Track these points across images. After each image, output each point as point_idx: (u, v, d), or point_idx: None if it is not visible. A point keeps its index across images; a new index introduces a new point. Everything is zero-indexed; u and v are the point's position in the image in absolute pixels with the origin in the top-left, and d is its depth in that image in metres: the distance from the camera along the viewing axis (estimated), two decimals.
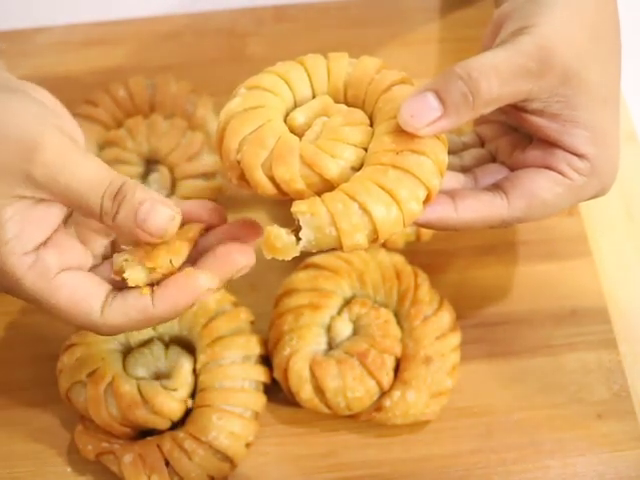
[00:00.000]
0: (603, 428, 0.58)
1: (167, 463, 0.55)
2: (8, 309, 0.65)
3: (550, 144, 0.49)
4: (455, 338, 0.59)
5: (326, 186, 0.45)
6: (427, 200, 0.46)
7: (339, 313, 0.60)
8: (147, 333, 0.59)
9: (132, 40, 0.79)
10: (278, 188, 0.46)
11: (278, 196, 0.47)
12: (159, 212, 0.44)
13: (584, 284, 0.64)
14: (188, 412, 0.57)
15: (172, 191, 0.66)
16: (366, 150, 0.46)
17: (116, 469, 0.56)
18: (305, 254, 0.64)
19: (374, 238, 0.45)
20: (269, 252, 0.45)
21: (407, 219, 0.45)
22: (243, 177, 0.47)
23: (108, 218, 0.44)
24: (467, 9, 0.79)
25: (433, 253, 0.66)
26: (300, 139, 0.47)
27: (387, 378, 0.57)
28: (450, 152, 0.53)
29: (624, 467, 0.57)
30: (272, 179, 0.46)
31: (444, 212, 0.48)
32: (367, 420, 0.58)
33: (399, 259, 0.61)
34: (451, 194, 0.49)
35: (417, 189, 0.45)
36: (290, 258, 0.45)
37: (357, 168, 0.46)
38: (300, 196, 0.46)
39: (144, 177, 0.67)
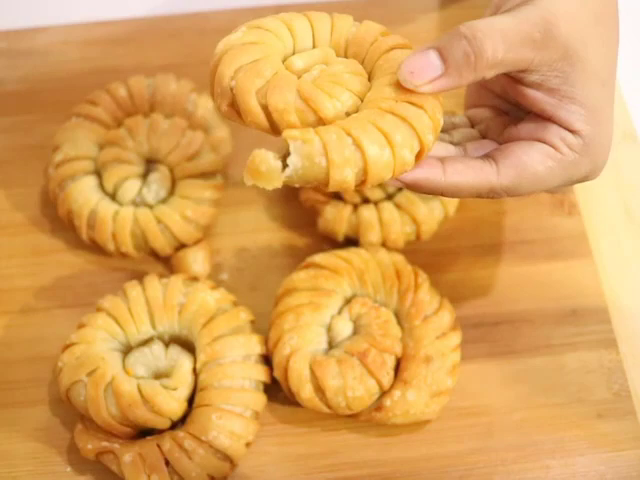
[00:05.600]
0: (603, 428, 0.58)
1: (167, 463, 0.55)
2: (8, 309, 0.65)
3: (544, 119, 0.49)
4: (455, 338, 0.59)
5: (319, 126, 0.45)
6: (419, 156, 0.46)
7: (339, 312, 0.60)
8: (147, 332, 0.59)
9: (132, 40, 0.79)
10: (269, 119, 0.45)
11: (267, 129, 0.45)
12: None
13: (584, 284, 0.64)
14: (188, 411, 0.57)
15: (172, 191, 0.66)
16: (362, 102, 0.46)
17: (116, 469, 0.56)
18: (303, 252, 0.64)
19: (362, 180, 0.44)
20: (251, 177, 0.43)
21: (398, 166, 0.44)
22: (233, 105, 0.46)
23: None
24: (467, 8, 0.79)
25: (433, 253, 0.66)
26: None
27: (387, 378, 0.57)
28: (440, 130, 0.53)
29: (624, 467, 0.57)
30: (265, 109, 0.45)
31: (432, 173, 0.48)
32: (367, 420, 0.58)
33: (399, 258, 0.61)
34: (441, 159, 0.49)
35: (412, 139, 0.44)
36: (271, 188, 0.43)
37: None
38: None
39: (144, 177, 0.67)
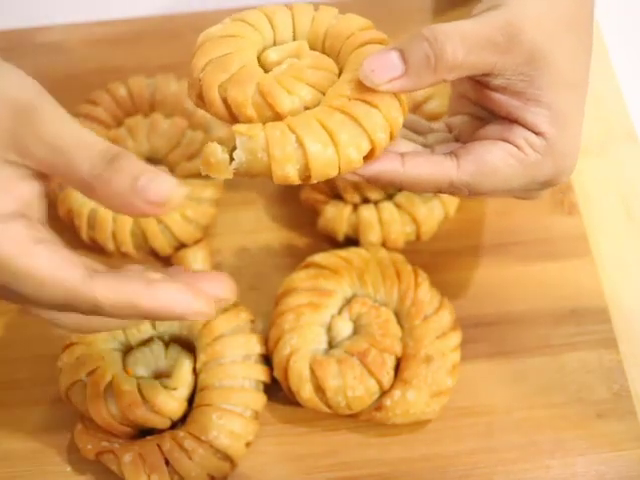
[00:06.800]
0: (603, 428, 0.58)
1: (167, 462, 0.55)
2: (8, 308, 0.65)
3: (510, 121, 0.49)
4: (455, 337, 0.59)
5: (277, 120, 0.46)
6: (371, 154, 0.46)
7: (339, 312, 0.60)
8: (147, 332, 0.59)
9: (132, 40, 0.79)
10: (229, 111, 0.47)
11: (229, 121, 0.47)
12: (162, 180, 0.42)
13: (584, 284, 0.64)
14: (188, 411, 0.57)
15: None
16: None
17: (116, 468, 0.56)
18: (303, 252, 0.64)
19: (306, 175, 0.45)
20: (204, 167, 0.46)
21: (343, 164, 0.45)
22: (201, 96, 0.47)
23: (100, 181, 0.41)
24: (465, 9, 0.79)
25: (433, 253, 0.66)
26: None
27: (387, 377, 0.57)
28: (416, 132, 0.54)
29: (624, 467, 0.57)
30: (226, 101, 0.46)
31: (390, 166, 0.48)
32: (367, 419, 0.58)
33: (399, 258, 0.61)
34: (401, 154, 0.49)
35: (360, 138, 0.45)
36: (223, 178, 0.46)
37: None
38: (248, 123, 0.46)
39: None
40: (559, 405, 0.59)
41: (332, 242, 0.66)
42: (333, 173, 0.45)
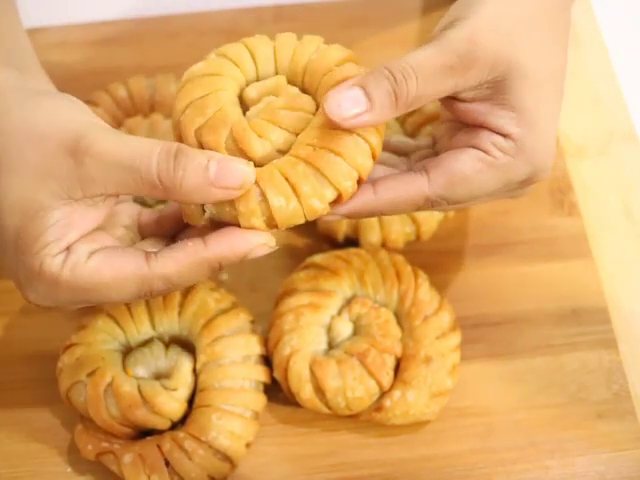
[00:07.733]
0: (603, 428, 0.58)
1: (167, 463, 0.55)
2: (8, 309, 0.65)
3: (477, 127, 0.50)
4: (455, 338, 0.59)
5: None
6: (339, 200, 0.47)
7: (339, 313, 0.60)
8: (147, 333, 0.59)
9: (132, 40, 0.79)
10: None
11: None
12: (233, 165, 0.44)
13: (584, 284, 0.64)
14: (188, 412, 0.57)
15: None
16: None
17: (116, 469, 0.56)
18: (303, 253, 0.64)
19: (273, 225, 0.46)
20: (184, 216, 0.48)
21: (308, 214, 0.46)
22: (181, 139, 0.49)
23: (170, 178, 0.43)
24: None
25: (433, 253, 0.66)
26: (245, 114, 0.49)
27: (387, 378, 0.57)
28: (402, 154, 0.54)
29: (624, 467, 0.57)
30: (202, 146, 0.47)
31: (363, 198, 0.49)
32: (367, 420, 0.58)
33: (399, 259, 0.61)
34: (373, 181, 0.50)
35: (323, 188, 0.46)
36: (199, 225, 0.47)
37: (284, 152, 0.47)
38: None
39: None
40: (559, 405, 0.59)
41: (332, 242, 0.66)
42: (300, 222, 0.46)
